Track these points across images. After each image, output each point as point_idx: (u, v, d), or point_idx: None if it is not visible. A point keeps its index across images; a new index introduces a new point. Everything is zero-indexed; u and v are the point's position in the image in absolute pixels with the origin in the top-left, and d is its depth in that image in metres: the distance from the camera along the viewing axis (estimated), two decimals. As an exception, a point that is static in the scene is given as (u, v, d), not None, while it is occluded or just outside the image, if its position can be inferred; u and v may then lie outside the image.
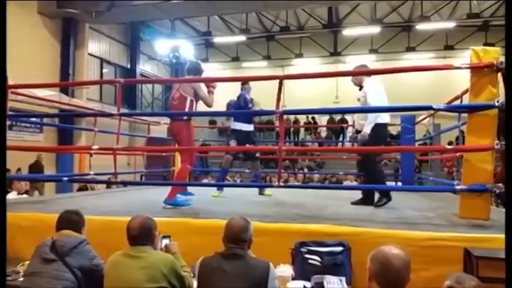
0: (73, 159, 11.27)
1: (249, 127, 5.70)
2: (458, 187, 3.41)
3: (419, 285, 2.42)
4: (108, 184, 7.49)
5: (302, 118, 15.80)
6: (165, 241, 2.69)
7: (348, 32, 16.19)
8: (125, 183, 6.25)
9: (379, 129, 4.42)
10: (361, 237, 2.95)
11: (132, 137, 12.50)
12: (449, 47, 15.81)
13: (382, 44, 16.42)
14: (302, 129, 16.65)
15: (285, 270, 2.80)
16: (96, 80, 13.77)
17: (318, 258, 2.85)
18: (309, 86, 14.99)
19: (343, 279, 2.68)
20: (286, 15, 15.92)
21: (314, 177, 12.36)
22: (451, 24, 14.98)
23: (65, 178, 5.28)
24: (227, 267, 2.21)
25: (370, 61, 16.82)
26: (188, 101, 4.43)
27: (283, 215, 3.77)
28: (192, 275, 2.44)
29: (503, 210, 4.76)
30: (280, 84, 3.83)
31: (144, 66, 17.18)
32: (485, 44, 13.29)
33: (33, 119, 10.37)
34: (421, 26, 15.19)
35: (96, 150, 4.56)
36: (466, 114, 3.49)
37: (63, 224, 2.71)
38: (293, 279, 2.77)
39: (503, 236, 2.85)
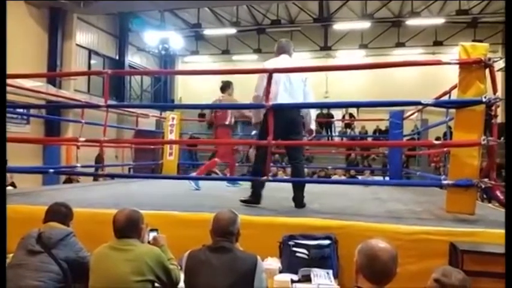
0: (60, 151, 11.13)
1: None
2: (445, 182, 3.44)
3: (405, 278, 2.43)
4: (96, 177, 7.42)
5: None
6: (153, 234, 2.67)
7: (338, 26, 16.18)
8: (112, 176, 6.19)
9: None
10: (348, 230, 2.97)
11: (120, 130, 12.38)
12: (438, 43, 15.89)
13: (372, 39, 16.45)
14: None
15: (273, 263, 2.81)
16: (83, 71, 13.58)
17: (305, 251, 2.86)
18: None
19: (330, 272, 2.70)
20: (277, 9, 15.86)
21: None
22: (440, 21, 15.07)
23: (51, 170, 5.22)
24: (215, 260, 2.20)
25: (361, 56, 16.88)
26: (229, 112, 5.70)
27: (272, 208, 3.77)
28: (179, 267, 2.43)
29: (489, 205, 4.84)
30: (270, 77, 3.81)
31: (133, 58, 17.00)
32: (474, 41, 13.36)
33: (20, 110, 10.21)
34: (411, 22, 15.25)
35: (82, 142, 4.51)
36: (454, 110, 3.52)
37: (52, 216, 2.71)
38: (280, 272, 2.77)
39: (488, 230, 2.89)
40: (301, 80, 4.03)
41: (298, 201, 3.85)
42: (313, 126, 4.17)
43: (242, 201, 3.91)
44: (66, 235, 2.61)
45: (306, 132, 4.20)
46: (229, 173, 6.12)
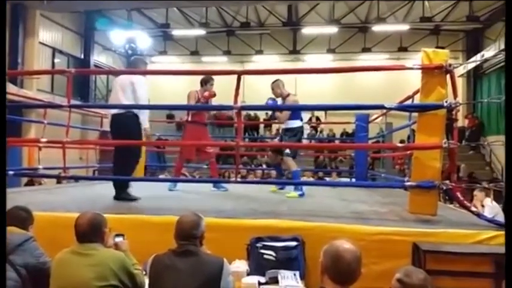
0: (21, 152, 10.72)
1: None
2: (408, 183, 3.54)
3: (370, 278, 2.48)
4: (59, 179, 7.19)
5: (262, 115, 15.85)
6: (119, 239, 2.61)
7: (306, 30, 16.37)
8: (75, 178, 6.02)
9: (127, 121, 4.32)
10: (315, 231, 3.00)
11: (85, 131, 12.05)
12: (403, 49, 16.31)
13: (339, 44, 16.73)
14: (261, 126, 16.68)
15: (240, 265, 2.81)
16: (45, 70, 13.12)
17: (272, 253, 2.87)
18: (269, 82, 14.97)
19: (297, 273, 2.71)
20: (246, 11, 15.89)
21: (272, 174, 12.43)
22: (405, 27, 15.50)
23: (11, 172, 5.00)
24: (180, 265, 2.17)
25: (328, 61, 17.13)
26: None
27: (240, 210, 3.77)
28: (144, 272, 2.39)
29: (450, 206, 5.01)
30: (239, 79, 3.82)
31: (99, 57, 16.60)
32: (437, 47, 13.81)
33: (-23, 110, 9.77)
34: (377, 28, 15.62)
35: (44, 143, 4.37)
36: (416, 114, 3.62)
37: (10, 221, 2.60)
38: (248, 274, 2.77)
39: (449, 230, 2.99)
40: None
41: (118, 196, 4.26)
42: (146, 125, 4.44)
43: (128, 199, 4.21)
44: (25, 240, 2.51)
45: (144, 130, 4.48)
46: (211, 173, 6.08)
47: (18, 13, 11.76)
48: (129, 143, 4.22)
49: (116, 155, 4.46)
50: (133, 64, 4.80)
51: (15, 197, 4.57)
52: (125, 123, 4.27)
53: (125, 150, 4.40)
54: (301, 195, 5.04)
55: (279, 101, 5.59)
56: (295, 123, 5.48)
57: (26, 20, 12.02)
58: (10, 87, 10.20)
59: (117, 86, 4.39)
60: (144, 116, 4.36)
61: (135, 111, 4.31)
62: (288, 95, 5.59)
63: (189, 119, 5.67)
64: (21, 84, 11.63)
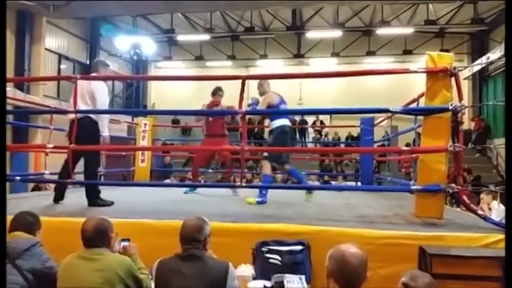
0: (28, 158, 10.78)
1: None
2: (413, 187, 3.53)
3: (376, 282, 2.47)
4: (64, 184, 7.22)
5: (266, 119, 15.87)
6: (124, 244, 2.62)
7: (311, 34, 16.40)
8: (81, 183, 6.03)
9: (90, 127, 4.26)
10: (320, 235, 3.00)
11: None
12: (408, 52, 16.25)
13: (343, 47, 16.73)
14: (267, 130, 16.64)
15: (246, 270, 2.80)
16: (51, 76, 13.23)
17: (278, 257, 2.87)
18: (273, 87, 14.95)
19: (303, 277, 2.71)
20: (250, 16, 15.94)
21: (277, 178, 12.42)
22: (409, 30, 15.47)
23: (18, 177, 5.05)
24: (185, 269, 2.17)
25: (332, 64, 17.13)
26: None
27: (245, 214, 3.76)
28: (150, 277, 2.39)
29: (457, 209, 4.98)
30: (243, 84, 3.84)
31: (105, 63, 16.73)
32: (442, 50, 13.78)
33: (-16, 116, 9.82)
34: (381, 31, 15.60)
35: (50, 148, 4.40)
36: (422, 117, 3.61)
37: (18, 226, 2.62)
38: (254, 278, 2.77)
39: (455, 234, 2.98)
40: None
41: (90, 198, 4.21)
42: (106, 133, 4.35)
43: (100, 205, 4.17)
44: (32, 245, 2.52)
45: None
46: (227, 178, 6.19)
47: (25, 20, 11.87)
48: (136, 148, 4.23)
49: (84, 162, 4.40)
50: (94, 67, 4.55)
51: (22, 202, 4.60)
52: (82, 129, 4.16)
53: (87, 157, 4.37)
54: (261, 203, 4.59)
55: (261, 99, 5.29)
56: (275, 123, 5.03)
57: (32, 27, 12.13)
58: (17, 94, 10.29)
59: (77, 91, 4.22)
60: (103, 123, 4.24)
61: (94, 117, 4.22)
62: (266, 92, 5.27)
63: (205, 132, 5.80)
64: (28, 90, 11.73)
